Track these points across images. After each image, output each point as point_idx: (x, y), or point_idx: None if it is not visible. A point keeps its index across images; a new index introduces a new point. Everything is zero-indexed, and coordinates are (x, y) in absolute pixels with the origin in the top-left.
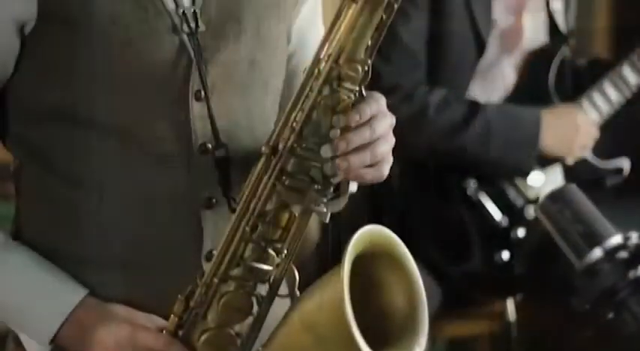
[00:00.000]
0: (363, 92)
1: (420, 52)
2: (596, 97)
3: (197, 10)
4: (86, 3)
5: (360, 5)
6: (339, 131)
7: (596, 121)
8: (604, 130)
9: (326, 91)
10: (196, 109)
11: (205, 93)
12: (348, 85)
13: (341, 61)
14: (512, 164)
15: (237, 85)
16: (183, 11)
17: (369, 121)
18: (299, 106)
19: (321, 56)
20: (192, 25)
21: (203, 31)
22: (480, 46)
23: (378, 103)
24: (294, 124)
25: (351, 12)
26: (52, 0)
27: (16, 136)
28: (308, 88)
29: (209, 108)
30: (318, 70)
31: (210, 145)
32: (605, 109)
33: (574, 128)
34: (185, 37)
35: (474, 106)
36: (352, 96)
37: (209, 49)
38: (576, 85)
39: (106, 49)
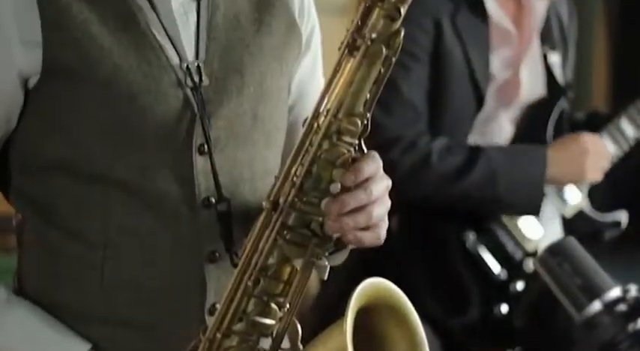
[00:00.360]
0: (363, 146)
1: (421, 104)
2: None
3: (200, 65)
4: (91, 57)
5: (359, 60)
6: (339, 185)
7: None
8: (602, 183)
9: (325, 145)
10: (200, 163)
11: (209, 147)
12: (347, 138)
13: (340, 115)
14: (521, 203)
15: (241, 139)
16: (187, 65)
17: (365, 183)
18: (299, 160)
19: (320, 110)
20: (196, 79)
21: (207, 85)
22: (479, 100)
23: (377, 163)
24: (295, 179)
25: (349, 66)
26: (56, 55)
27: (18, 190)
28: (308, 143)
29: (212, 163)
30: (318, 125)
31: (213, 199)
32: None
33: (581, 151)
34: (189, 91)
35: (476, 149)
36: (352, 150)
37: (212, 103)
38: None
39: (109, 103)
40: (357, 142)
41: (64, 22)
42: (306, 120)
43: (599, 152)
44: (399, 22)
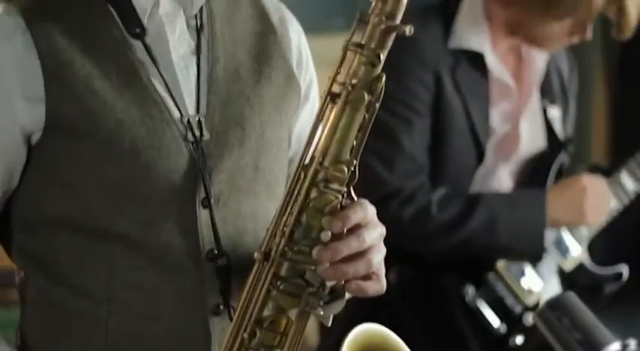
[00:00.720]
0: (352, 193)
1: (421, 158)
2: None
3: (201, 119)
4: (93, 113)
5: (340, 106)
6: (329, 233)
7: (594, 228)
8: (602, 237)
9: (313, 193)
10: (204, 216)
11: (209, 202)
12: (335, 186)
13: (326, 162)
14: (522, 248)
15: (243, 191)
16: (188, 120)
17: (357, 230)
18: (288, 209)
19: (306, 159)
20: (197, 133)
21: (208, 139)
22: (480, 154)
23: (366, 211)
24: (284, 228)
25: (333, 114)
26: (59, 110)
27: (20, 247)
28: (295, 192)
29: (212, 217)
30: (304, 173)
31: (217, 252)
32: None
33: (581, 192)
34: (191, 145)
35: (475, 196)
36: (340, 197)
37: (214, 157)
38: None
39: (112, 158)
40: (345, 189)
41: (67, 77)
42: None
43: (599, 193)
44: (380, 68)
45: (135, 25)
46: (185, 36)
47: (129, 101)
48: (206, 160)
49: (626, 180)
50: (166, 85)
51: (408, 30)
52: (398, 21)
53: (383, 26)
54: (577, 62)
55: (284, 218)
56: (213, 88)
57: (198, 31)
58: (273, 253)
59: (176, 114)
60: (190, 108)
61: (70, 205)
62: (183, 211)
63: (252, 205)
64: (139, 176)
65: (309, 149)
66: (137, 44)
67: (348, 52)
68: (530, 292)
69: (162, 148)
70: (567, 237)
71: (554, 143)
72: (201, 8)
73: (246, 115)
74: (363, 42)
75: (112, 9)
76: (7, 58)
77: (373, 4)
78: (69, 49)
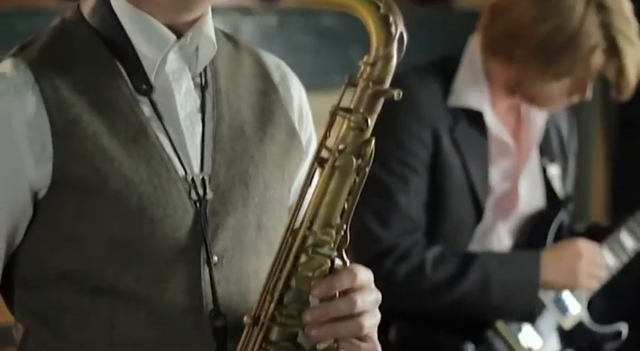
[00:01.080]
0: (344, 257)
1: (417, 216)
2: None
3: (205, 177)
4: (101, 170)
5: (329, 172)
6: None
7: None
8: (602, 295)
9: (302, 258)
10: (207, 275)
11: (209, 261)
12: (324, 250)
13: (315, 227)
14: (515, 308)
15: (246, 249)
16: (192, 178)
17: (349, 294)
18: (276, 274)
19: (295, 223)
20: (201, 192)
21: (212, 197)
22: (478, 212)
23: (356, 276)
24: (274, 293)
25: (321, 178)
26: (66, 167)
27: (22, 301)
28: (284, 256)
29: (212, 277)
30: (293, 238)
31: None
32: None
33: (576, 257)
34: (196, 204)
35: (469, 256)
36: (329, 261)
37: (219, 215)
38: None
39: (119, 215)
40: (335, 253)
41: (75, 134)
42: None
43: (594, 260)
44: (369, 132)
45: (142, 82)
46: (191, 94)
47: (136, 159)
48: (211, 219)
49: (626, 238)
50: (172, 143)
51: (397, 94)
52: (387, 85)
53: (371, 91)
54: (576, 120)
55: (272, 283)
56: (219, 146)
57: (203, 89)
58: (262, 318)
59: (182, 172)
60: (195, 166)
61: (74, 261)
62: (188, 269)
63: (254, 263)
64: (145, 233)
65: (298, 213)
66: (144, 101)
67: (335, 116)
68: (529, 350)
69: (168, 205)
70: (567, 295)
71: (553, 201)
72: (206, 66)
73: (251, 173)
74: (351, 107)
75: (119, 65)
76: (18, 117)
77: (362, 68)
78: (77, 105)
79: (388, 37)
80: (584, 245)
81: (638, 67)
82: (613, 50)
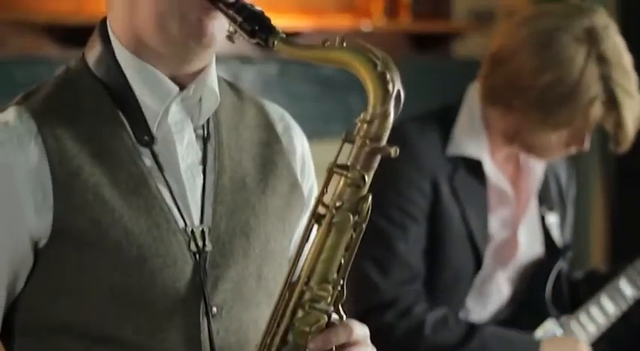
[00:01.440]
0: (341, 311)
1: (417, 264)
2: (594, 310)
3: (205, 229)
4: (101, 221)
5: (326, 228)
6: None
7: (593, 334)
8: (601, 343)
9: (299, 313)
10: (206, 326)
11: (207, 313)
12: (320, 305)
13: (312, 282)
14: None
15: (246, 300)
16: (192, 230)
17: (346, 349)
18: (274, 328)
19: (292, 278)
20: (200, 244)
21: (212, 249)
22: (478, 260)
23: (352, 331)
24: (272, 347)
25: (318, 234)
26: (67, 218)
27: (23, 350)
28: (281, 311)
29: (209, 328)
30: (290, 293)
31: None
32: (603, 321)
33: None
34: (195, 255)
35: (471, 328)
36: (325, 316)
37: (219, 266)
38: (574, 297)
39: (119, 266)
40: (332, 308)
41: (76, 185)
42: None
43: None
44: (366, 189)
45: (144, 133)
46: (193, 145)
47: (137, 210)
48: (210, 270)
49: (625, 287)
50: (173, 194)
51: (394, 152)
52: (384, 142)
53: (368, 148)
54: (576, 169)
55: (270, 337)
56: (220, 197)
57: (205, 140)
58: None
59: (182, 223)
60: (195, 217)
61: (74, 311)
62: (187, 320)
63: (254, 313)
64: (145, 284)
65: (295, 268)
66: (146, 152)
67: (332, 173)
68: None
69: (168, 257)
70: None
71: (552, 250)
72: (209, 117)
73: (252, 225)
74: (348, 164)
75: (122, 116)
76: (20, 167)
77: (358, 125)
78: (79, 156)
79: (385, 95)
80: (586, 347)
81: (637, 120)
82: (612, 102)
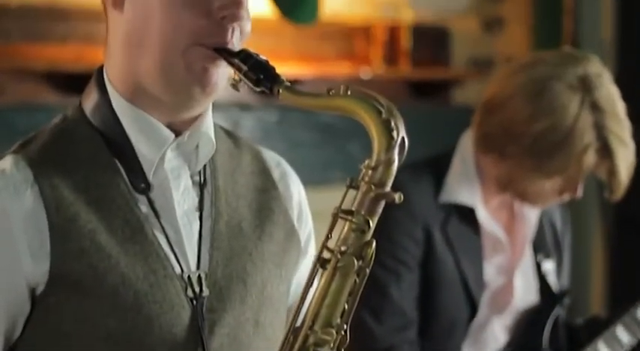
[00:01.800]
0: None
1: (411, 312)
2: None
3: (202, 274)
4: (98, 268)
5: (330, 272)
6: None
7: None
8: None
9: None
10: None
11: None
12: (324, 350)
13: (316, 327)
14: None
15: (244, 346)
16: (189, 276)
17: None
18: None
19: (297, 323)
20: (197, 289)
21: (209, 295)
22: (473, 308)
23: None
24: None
25: (322, 279)
26: (63, 265)
27: None
28: None
29: None
30: (294, 337)
31: None
32: None
33: None
34: (192, 301)
35: None
36: None
37: (216, 312)
38: (574, 344)
39: (116, 312)
40: None
41: (72, 232)
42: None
43: None
44: (370, 234)
45: (140, 181)
46: (189, 192)
47: (133, 256)
48: (207, 316)
49: (622, 334)
50: (170, 240)
51: (398, 198)
52: (388, 188)
53: (373, 194)
54: (575, 215)
55: None
56: (216, 243)
57: (202, 186)
58: None
59: (178, 269)
60: (192, 263)
61: None
62: None
63: None
64: (142, 329)
65: (299, 313)
66: (142, 199)
67: (337, 218)
68: None
69: (164, 302)
70: None
71: (548, 297)
72: (205, 164)
73: (249, 270)
74: (353, 209)
75: (118, 163)
76: (16, 214)
77: (363, 171)
78: (75, 204)
79: (390, 143)
80: None
81: (630, 168)
82: (605, 150)
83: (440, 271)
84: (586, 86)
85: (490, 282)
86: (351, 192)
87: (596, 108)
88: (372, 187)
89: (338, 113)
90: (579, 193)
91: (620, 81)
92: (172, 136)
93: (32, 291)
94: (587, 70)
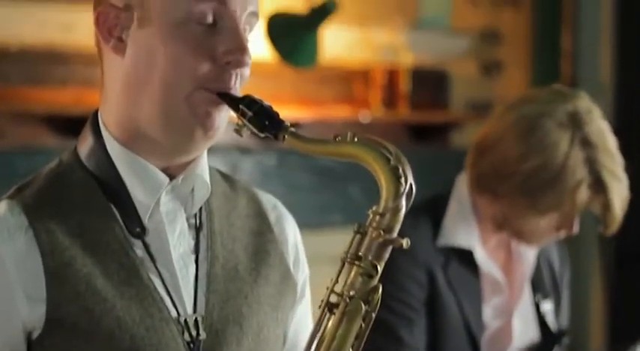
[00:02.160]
0: None
1: None
2: None
3: (199, 318)
4: (94, 311)
5: (338, 317)
6: None
7: None
8: None
9: None
10: None
11: None
12: None
13: None
14: None
15: None
16: (185, 319)
17: None
18: None
19: None
20: (194, 333)
21: (205, 338)
22: (475, 349)
23: None
24: None
25: (330, 323)
26: (59, 309)
27: None
28: None
29: None
30: None
31: None
32: None
33: None
34: (189, 344)
35: None
36: None
37: None
38: None
39: None
40: None
41: (68, 276)
42: None
43: None
44: (377, 279)
45: (136, 225)
46: (185, 235)
47: (129, 300)
48: None
49: None
50: (166, 284)
51: (405, 243)
52: (395, 234)
53: (381, 240)
54: (573, 253)
55: None
56: (213, 286)
57: (198, 229)
58: None
59: (174, 313)
60: (188, 306)
61: None
62: None
63: None
64: None
65: None
66: (137, 243)
67: (345, 262)
68: None
69: (160, 346)
70: None
71: (548, 337)
72: (201, 207)
73: (244, 313)
74: (360, 254)
75: (114, 208)
76: (10, 258)
77: (371, 216)
78: (71, 248)
79: (398, 190)
80: None
81: (624, 202)
82: (599, 185)
83: (444, 313)
84: (576, 122)
85: (489, 324)
86: (347, 236)
87: (587, 144)
88: (381, 232)
89: (346, 160)
90: (575, 229)
91: (618, 123)
92: (167, 180)
93: (28, 335)
94: (576, 107)
